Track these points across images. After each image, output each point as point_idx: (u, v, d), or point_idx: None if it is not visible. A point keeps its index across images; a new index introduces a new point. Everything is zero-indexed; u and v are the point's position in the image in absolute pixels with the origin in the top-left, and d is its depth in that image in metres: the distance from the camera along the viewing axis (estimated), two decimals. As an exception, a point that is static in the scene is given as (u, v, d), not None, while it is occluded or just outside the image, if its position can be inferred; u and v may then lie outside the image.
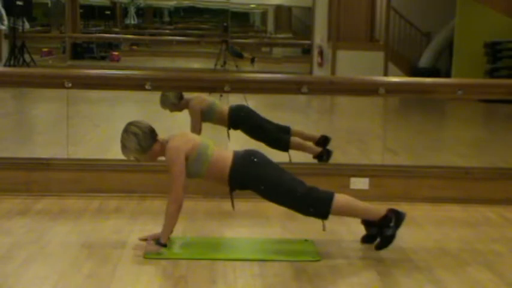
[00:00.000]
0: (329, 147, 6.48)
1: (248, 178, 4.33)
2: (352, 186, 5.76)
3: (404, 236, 4.39)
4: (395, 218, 4.26)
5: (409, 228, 4.91)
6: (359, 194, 5.59)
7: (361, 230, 4.50)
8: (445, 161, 7.19)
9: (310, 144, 6.48)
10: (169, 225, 4.30)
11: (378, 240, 4.31)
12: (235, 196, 4.48)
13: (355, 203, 4.33)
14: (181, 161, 4.28)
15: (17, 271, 3.95)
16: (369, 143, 8.19)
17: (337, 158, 6.64)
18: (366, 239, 4.52)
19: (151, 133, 4.36)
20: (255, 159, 4.33)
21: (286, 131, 6.43)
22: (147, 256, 4.22)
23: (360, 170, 5.89)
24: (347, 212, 4.34)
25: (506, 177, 5.86)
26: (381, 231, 4.29)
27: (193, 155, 4.31)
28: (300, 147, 6.42)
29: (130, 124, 4.37)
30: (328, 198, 4.25)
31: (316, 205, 4.26)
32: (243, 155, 4.37)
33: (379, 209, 4.35)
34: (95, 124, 9.15)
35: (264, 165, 4.33)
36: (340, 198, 4.28)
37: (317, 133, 6.60)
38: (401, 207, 5.47)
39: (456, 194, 5.79)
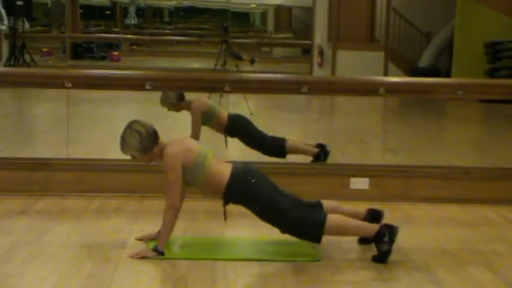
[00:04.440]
0: (328, 146, 6.48)
1: (243, 198, 4.34)
2: (352, 186, 5.76)
3: (404, 236, 4.39)
4: (388, 233, 4.24)
5: (409, 228, 4.91)
6: (359, 194, 5.63)
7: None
8: (445, 161, 7.18)
9: (306, 146, 6.47)
10: (167, 232, 4.30)
11: (375, 254, 4.30)
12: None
13: (347, 224, 4.30)
14: (177, 168, 4.27)
15: (17, 271, 3.95)
16: (369, 143, 8.19)
17: (337, 158, 6.65)
18: (362, 240, 4.53)
19: (154, 135, 4.34)
20: (252, 180, 4.32)
21: (281, 139, 6.42)
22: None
23: (360, 170, 5.89)
24: (340, 233, 4.34)
25: (506, 177, 5.86)
26: (376, 247, 4.28)
27: (191, 164, 4.29)
28: (297, 151, 6.42)
29: (135, 122, 4.35)
30: (320, 222, 4.23)
31: (309, 230, 4.25)
32: (240, 172, 4.35)
33: (372, 225, 4.33)
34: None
35: (260, 187, 4.31)
36: (332, 221, 4.25)
37: (313, 147, 6.54)
38: (401, 207, 5.50)
39: (456, 194, 5.79)
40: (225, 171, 4.34)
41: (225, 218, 4.50)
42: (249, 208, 4.36)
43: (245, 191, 4.31)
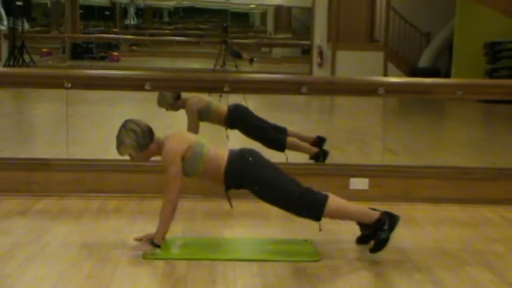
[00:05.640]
0: (328, 147, 6.49)
1: (243, 178, 4.34)
2: (351, 187, 5.76)
3: (403, 236, 4.39)
4: (389, 221, 4.24)
5: (408, 228, 4.91)
6: (358, 194, 5.62)
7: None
8: (445, 161, 7.19)
9: (306, 144, 6.48)
10: (164, 225, 4.30)
11: (372, 243, 4.30)
12: (234, 196, 4.50)
13: (348, 207, 4.31)
14: (177, 163, 4.28)
15: (17, 271, 3.95)
16: (369, 143, 8.19)
17: (336, 158, 6.65)
18: (360, 240, 4.52)
19: (149, 132, 4.36)
20: (250, 159, 4.33)
21: (282, 131, 6.43)
22: (147, 257, 4.22)
23: (359, 170, 5.89)
24: (340, 215, 4.33)
25: (506, 177, 5.86)
26: (375, 235, 4.28)
27: (189, 154, 4.31)
28: (297, 148, 6.42)
29: (128, 121, 4.37)
30: (321, 201, 4.24)
31: (309, 208, 4.25)
32: (238, 154, 4.38)
33: (373, 212, 4.34)
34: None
35: (259, 165, 4.32)
36: (334, 202, 4.26)
37: (313, 138, 6.57)
38: (401, 207, 5.50)
39: (456, 194, 5.78)
40: (222, 156, 4.36)
41: (231, 205, 4.48)
42: (249, 188, 4.35)
43: (243, 171, 4.31)
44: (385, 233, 4.23)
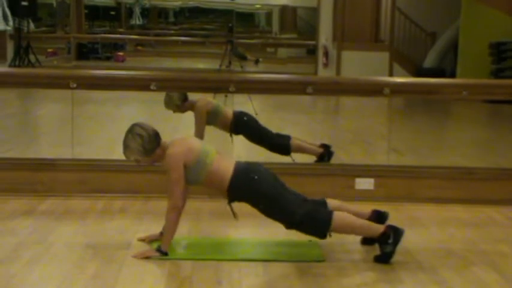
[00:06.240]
0: (333, 147, 6.48)
1: (246, 195, 4.32)
2: (357, 187, 5.76)
3: (408, 236, 4.39)
4: (393, 235, 4.24)
5: (413, 228, 4.91)
6: (364, 195, 5.62)
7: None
8: (450, 161, 7.18)
9: (311, 145, 6.48)
10: (170, 232, 4.29)
11: (378, 255, 4.29)
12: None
13: (353, 222, 4.29)
14: (179, 168, 4.25)
15: (22, 271, 3.96)
16: (374, 144, 8.18)
17: (342, 158, 6.64)
18: (365, 241, 4.53)
19: (156, 137, 4.33)
20: (255, 177, 4.29)
21: (286, 137, 6.43)
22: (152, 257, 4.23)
23: (364, 171, 5.89)
24: (345, 231, 4.32)
25: (511, 178, 5.85)
26: (379, 248, 4.28)
27: (192, 162, 4.27)
28: (302, 149, 6.43)
29: (135, 125, 4.34)
30: (325, 220, 4.22)
31: (314, 227, 4.25)
32: (243, 170, 4.32)
33: (377, 226, 4.33)
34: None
35: (263, 184, 4.28)
36: (338, 219, 4.24)
37: (317, 145, 6.55)
38: (406, 207, 5.50)
39: (460, 194, 5.78)
40: (227, 169, 4.32)
41: (235, 216, 4.45)
42: (253, 205, 4.34)
43: (248, 188, 4.30)
44: (389, 247, 4.23)
